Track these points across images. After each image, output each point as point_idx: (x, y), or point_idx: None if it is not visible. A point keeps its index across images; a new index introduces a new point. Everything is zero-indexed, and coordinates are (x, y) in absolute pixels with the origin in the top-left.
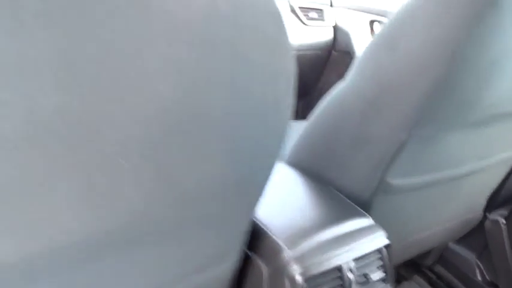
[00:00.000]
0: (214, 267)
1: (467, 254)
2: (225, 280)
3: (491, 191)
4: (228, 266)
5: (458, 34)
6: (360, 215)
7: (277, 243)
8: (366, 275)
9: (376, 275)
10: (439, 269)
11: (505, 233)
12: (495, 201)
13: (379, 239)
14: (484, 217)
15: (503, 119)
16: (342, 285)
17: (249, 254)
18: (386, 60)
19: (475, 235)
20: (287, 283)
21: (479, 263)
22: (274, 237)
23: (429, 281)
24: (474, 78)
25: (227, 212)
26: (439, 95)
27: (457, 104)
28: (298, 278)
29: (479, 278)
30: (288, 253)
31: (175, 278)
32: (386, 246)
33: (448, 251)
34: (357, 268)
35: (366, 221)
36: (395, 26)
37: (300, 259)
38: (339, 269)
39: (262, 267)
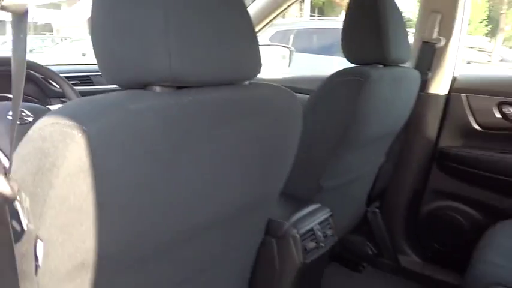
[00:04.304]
0: (247, 245)
1: (359, 239)
2: (253, 253)
3: (369, 191)
4: (256, 242)
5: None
6: (313, 202)
7: (281, 222)
8: (324, 232)
9: (330, 232)
10: (346, 254)
11: (380, 219)
12: (370, 197)
13: (327, 213)
14: (366, 210)
15: (372, 143)
16: (315, 238)
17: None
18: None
19: (363, 225)
20: (291, 240)
21: (368, 243)
22: (276, 218)
23: (342, 263)
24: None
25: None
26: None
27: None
28: (296, 235)
29: (370, 252)
30: (287, 224)
31: (228, 248)
32: (331, 216)
33: (348, 241)
34: (320, 228)
35: (317, 205)
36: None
37: (294, 226)
38: (312, 230)
39: (271, 240)
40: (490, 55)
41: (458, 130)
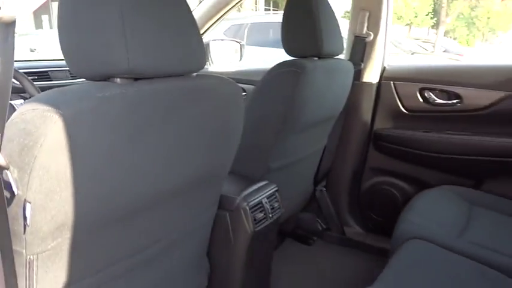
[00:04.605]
0: (203, 216)
1: (310, 216)
2: (209, 226)
3: (315, 171)
4: (212, 215)
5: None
6: (263, 180)
7: (233, 197)
8: (272, 205)
9: (277, 205)
10: (298, 230)
11: (327, 196)
12: (317, 178)
13: (274, 188)
14: (314, 190)
15: (312, 127)
16: (263, 210)
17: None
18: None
19: (312, 203)
20: (242, 212)
21: (317, 219)
22: (229, 194)
23: (295, 239)
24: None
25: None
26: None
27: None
28: (247, 207)
29: (320, 228)
30: (239, 199)
31: (187, 218)
32: (277, 191)
33: (299, 218)
34: (268, 201)
35: (265, 182)
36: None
37: (244, 199)
38: (261, 202)
39: (225, 214)
40: (434, 46)
41: (389, 114)
